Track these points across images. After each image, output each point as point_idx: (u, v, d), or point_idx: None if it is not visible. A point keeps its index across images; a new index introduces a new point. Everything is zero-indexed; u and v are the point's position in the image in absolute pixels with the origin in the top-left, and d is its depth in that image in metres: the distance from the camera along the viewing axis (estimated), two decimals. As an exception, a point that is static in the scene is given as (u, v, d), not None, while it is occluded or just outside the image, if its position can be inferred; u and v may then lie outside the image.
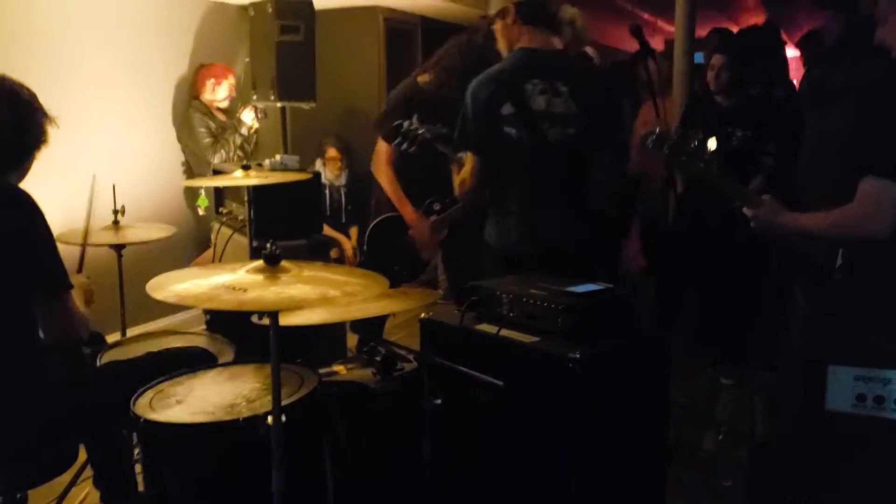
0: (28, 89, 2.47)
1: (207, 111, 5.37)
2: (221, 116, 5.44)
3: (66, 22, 4.75)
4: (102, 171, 4.61)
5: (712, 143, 4.01)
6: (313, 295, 1.83)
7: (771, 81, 4.90)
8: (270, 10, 4.24)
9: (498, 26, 3.24)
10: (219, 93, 5.41)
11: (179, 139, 5.47)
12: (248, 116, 5.31)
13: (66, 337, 2.42)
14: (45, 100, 2.52)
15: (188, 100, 5.45)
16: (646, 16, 9.88)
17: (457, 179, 3.41)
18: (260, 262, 1.96)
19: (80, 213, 4.29)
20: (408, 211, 4.03)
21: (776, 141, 4.18)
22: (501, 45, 3.26)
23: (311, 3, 4.36)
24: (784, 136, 4.19)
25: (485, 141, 3.06)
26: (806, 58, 5.11)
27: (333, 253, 5.36)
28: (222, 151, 5.26)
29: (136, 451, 3.06)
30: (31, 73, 4.35)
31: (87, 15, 4.90)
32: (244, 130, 5.30)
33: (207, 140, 5.30)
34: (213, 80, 5.37)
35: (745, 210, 2.50)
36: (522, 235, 3.13)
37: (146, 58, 5.30)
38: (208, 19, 5.74)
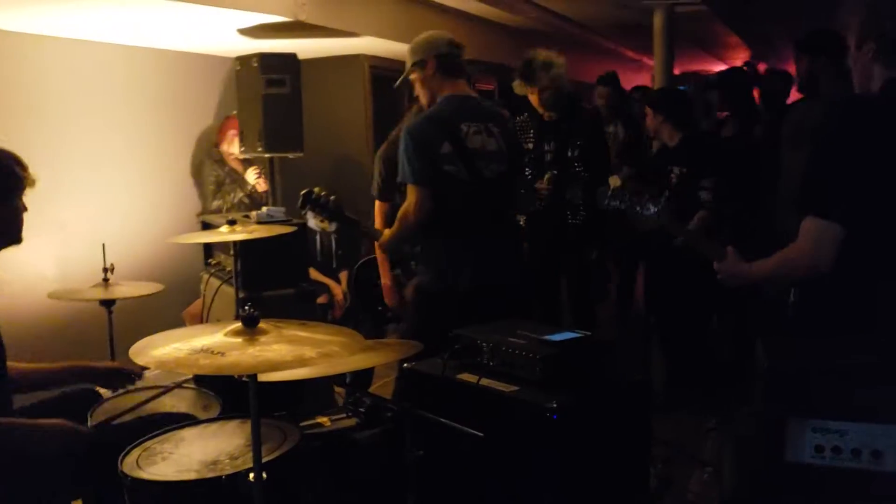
0: None
1: (221, 160, 5.52)
2: (238, 167, 5.57)
3: (82, 84, 4.94)
4: (98, 227, 4.72)
5: (614, 180, 4.15)
6: (290, 357, 1.88)
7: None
8: (256, 64, 4.32)
9: (417, 76, 3.41)
10: (236, 145, 5.50)
11: (196, 185, 5.70)
12: (251, 176, 5.43)
13: None
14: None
15: (209, 147, 5.61)
16: (630, 54, 10.03)
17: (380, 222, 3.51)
18: (238, 325, 2.02)
19: (75, 270, 4.37)
20: (385, 277, 4.14)
21: (712, 176, 4.31)
22: (422, 94, 3.45)
23: (296, 57, 4.44)
24: (720, 171, 4.33)
25: (427, 175, 3.22)
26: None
27: (322, 298, 5.40)
28: (220, 202, 5.39)
29: None
30: (41, 133, 4.52)
31: (108, 78, 5.11)
32: (248, 188, 5.42)
33: (211, 187, 5.46)
34: (233, 131, 5.46)
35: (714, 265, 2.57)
36: (459, 271, 3.28)
37: (167, 115, 5.51)
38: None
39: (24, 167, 2.59)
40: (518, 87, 4.33)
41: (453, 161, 3.23)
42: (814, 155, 2.22)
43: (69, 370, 2.82)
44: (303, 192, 3.43)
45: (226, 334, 2.00)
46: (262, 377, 2.05)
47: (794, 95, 5.19)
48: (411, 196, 3.24)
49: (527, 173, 4.26)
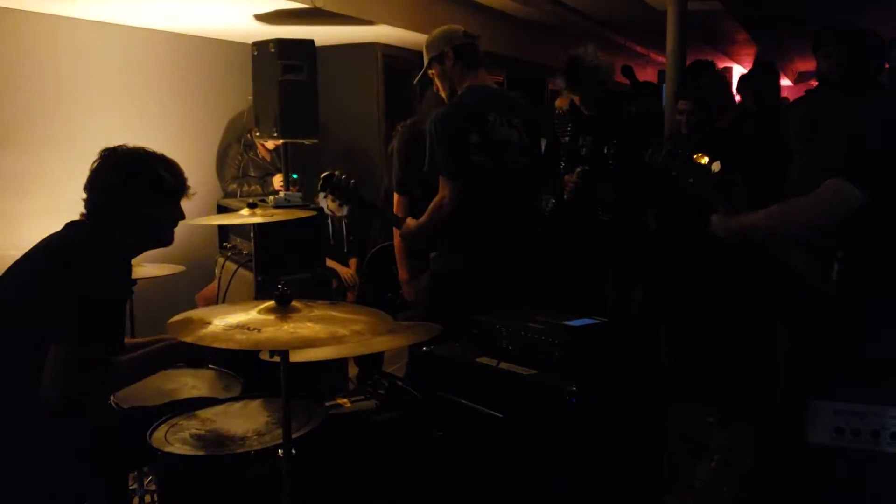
0: (141, 155, 2.60)
1: (251, 145, 5.53)
2: (266, 156, 5.59)
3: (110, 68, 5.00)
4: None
5: (716, 165, 4.12)
6: (324, 334, 1.93)
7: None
8: (273, 49, 4.33)
9: (436, 70, 3.43)
10: None
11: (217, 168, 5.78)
12: (277, 182, 5.44)
13: (56, 395, 2.24)
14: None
15: (239, 131, 5.64)
16: (638, 48, 10.04)
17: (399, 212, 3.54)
18: (271, 303, 2.07)
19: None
20: (403, 271, 4.13)
21: (744, 171, 4.29)
22: (442, 88, 3.45)
23: (313, 43, 4.46)
24: (753, 165, 4.32)
25: (458, 167, 3.23)
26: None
27: (333, 284, 5.44)
28: (237, 187, 5.46)
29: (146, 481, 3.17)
30: (58, 116, 4.55)
31: (125, 60, 5.17)
32: (269, 189, 5.41)
33: (233, 171, 5.53)
34: None
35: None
36: (479, 260, 3.31)
37: (185, 99, 5.57)
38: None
39: (175, 173, 2.62)
40: (559, 84, 4.33)
41: (481, 152, 3.25)
42: (857, 130, 2.26)
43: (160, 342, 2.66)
44: (323, 174, 3.44)
45: (259, 312, 2.05)
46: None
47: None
48: (445, 189, 3.25)
49: (561, 165, 4.27)
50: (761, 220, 2.41)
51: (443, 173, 3.25)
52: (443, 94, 3.48)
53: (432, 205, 3.34)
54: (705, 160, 2.68)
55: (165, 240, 2.67)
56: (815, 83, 4.87)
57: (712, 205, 2.64)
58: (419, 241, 3.79)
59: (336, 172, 3.43)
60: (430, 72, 3.47)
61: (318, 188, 3.42)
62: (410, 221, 3.51)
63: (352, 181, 3.42)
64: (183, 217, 2.68)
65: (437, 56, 3.40)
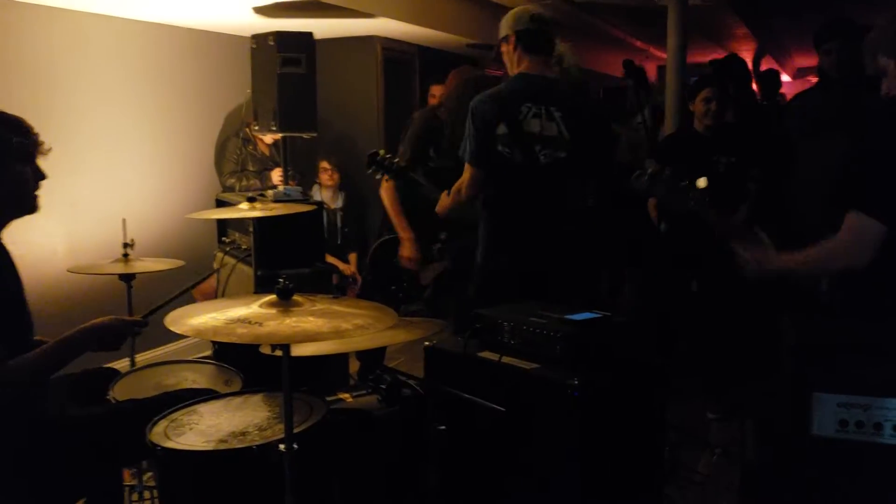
0: None
1: (249, 139, 5.53)
2: (265, 150, 5.57)
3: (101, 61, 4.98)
4: (117, 205, 4.74)
5: (702, 181, 4.08)
6: (326, 328, 1.91)
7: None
8: (272, 42, 4.31)
9: (503, 50, 3.43)
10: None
11: (216, 162, 5.77)
12: (276, 177, 5.41)
13: None
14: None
15: (238, 125, 5.64)
16: (638, 43, 10.01)
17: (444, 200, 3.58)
18: (273, 297, 2.05)
19: (87, 245, 4.38)
20: (403, 226, 4.16)
21: (759, 166, 4.29)
22: (508, 68, 3.44)
23: (312, 36, 4.44)
24: (767, 160, 4.31)
25: (481, 156, 3.23)
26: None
27: (333, 279, 5.42)
28: (235, 181, 5.45)
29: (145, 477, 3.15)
30: (56, 109, 4.53)
31: (124, 53, 5.16)
32: (268, 184, 5.39)
33: (231, 166, 5.52)
34: None
35: (738, 251, 2.53)
36: (510, 253, 3.29)
37: (183, 93, 5.56)
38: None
39: (23, 132, 2.40)
40: None
41: (507, 143, 3.21)
42: (859, 149, 2.23)
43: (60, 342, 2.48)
44: (369, 153, 3.72)
45: (260, 306, 2.03)
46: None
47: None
48: (465, 174, 3.31)
49: None
50: (800, 264, 2.34)
51: (465, 158, 3.30)
52: (510, 73, 3.44)
53: (454, 187, 3.41)
54: (701, 182, 2.63)
55: (33, 205, 2.47)
56: (814, 79, 4.87)
57: (701, 218, 2.61)
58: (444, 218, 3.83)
59: (380, 151, 3.73)
60: (501, 50, 3.45)
61: (365, 165, 3.76)
62: (444, 198, 3.59)
63: (395, 160, 3.74)
64: (45, 176, 2.47)
65: (503, 37, 3.39)
